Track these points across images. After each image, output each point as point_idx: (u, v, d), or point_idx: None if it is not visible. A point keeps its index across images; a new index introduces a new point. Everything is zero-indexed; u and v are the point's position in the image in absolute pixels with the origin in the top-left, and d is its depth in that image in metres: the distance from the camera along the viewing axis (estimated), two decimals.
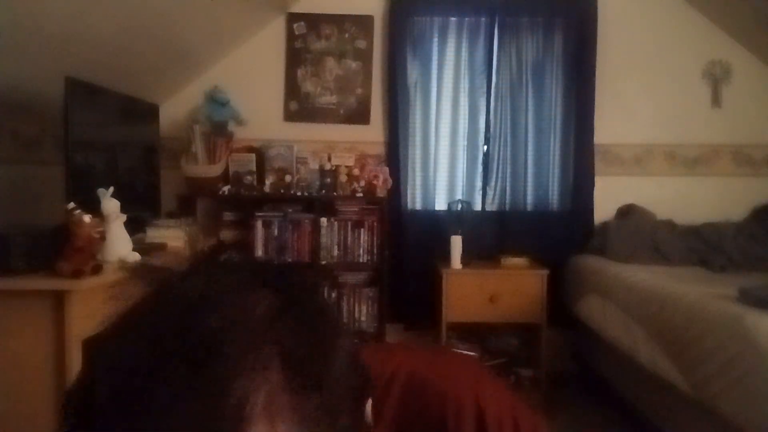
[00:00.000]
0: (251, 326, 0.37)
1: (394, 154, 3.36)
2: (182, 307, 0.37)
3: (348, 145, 3.38)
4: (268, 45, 3.42)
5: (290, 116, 3.44)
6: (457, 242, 3.07)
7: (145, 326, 0.37)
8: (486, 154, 3.44)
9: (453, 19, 3.41)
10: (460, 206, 3.30)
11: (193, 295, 0.38)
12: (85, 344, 1.77)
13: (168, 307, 0.38)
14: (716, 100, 3.47)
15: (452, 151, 3.44)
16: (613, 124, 3.43)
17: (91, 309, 1.80)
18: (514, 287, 3.05)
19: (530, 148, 3.41)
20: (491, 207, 3.44)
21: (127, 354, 0.36)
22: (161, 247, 2.47)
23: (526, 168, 3.42)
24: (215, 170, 3.12)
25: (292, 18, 3.41)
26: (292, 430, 0.35)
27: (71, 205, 1.79)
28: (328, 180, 3.19)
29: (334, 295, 3.26)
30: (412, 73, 3.38)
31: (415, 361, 0.63)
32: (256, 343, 0.36)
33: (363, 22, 3.42)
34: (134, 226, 2.27)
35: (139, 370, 0.35)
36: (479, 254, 3.21)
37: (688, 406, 2.12)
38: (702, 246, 3.12)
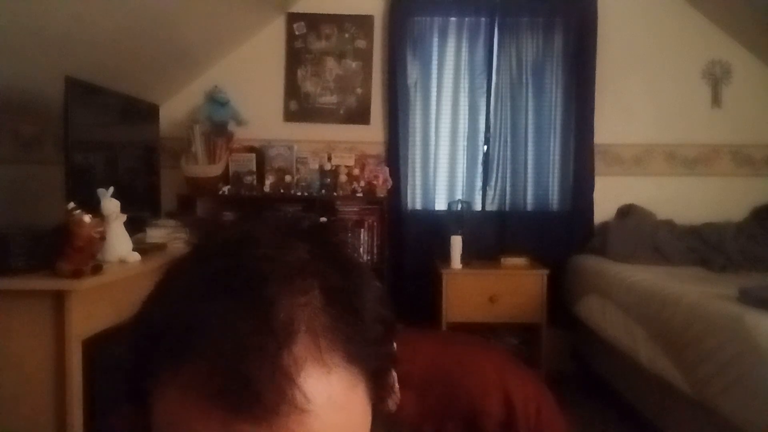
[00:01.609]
0: (292, 262, 0.41)
1: (394, 154, 3.36)
2: (229, 246, 0.42)
3: (348, 145, 3.37)
4: (268, 45, 3.42)
5: (290, 116, 3.44)
6: (457, 242, 3.07)
7: (198, 263, 0.43)
8: (486, 154, 3.44)
9: (453, 19, 3.41)
10: (460, 206, 3.30)
11: (238, 238, 0.43)
12: (84, 344, 1.78)
13: (217, 247, 0.43)
14: (716, 100, 3.46)
15: (452, 151, 3.44)
16: (613, 124, 3.43)
17: (91, 309, 1.80)
18: (514, 287, 3.05)
19: (530, 148, 3.41)
20: (491, 207, 3.43)
21: (182, 285, 0.41)
22: (161, 247, 2.46)
23: (526, 168, 3.42)
24: (215, 170, 3.12)
25: (292, 18, 3.41)
26: (332, 346, 0.39)
27: (71, 205, 1.79)
28: (328, 180, 3.19)
29: None
30: (412, 73, 3.38)
31: (435, 349, 0.64)
32: (296, 274, 0.40)
33: (363, 22, 3.42)
34: (134, 226, 2.27)
35: (193, 297, 0.39)
36: (479, 254, 3.21)
37: (688, 406, 2.12)
38: (702, 246, 3.11)
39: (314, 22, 3.41)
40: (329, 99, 3.44)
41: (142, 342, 0.41)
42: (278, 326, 0.37)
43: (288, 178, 3.15)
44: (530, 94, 3.40)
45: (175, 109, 3.34)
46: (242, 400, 0.36)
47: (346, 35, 3.43)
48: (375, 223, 3.23)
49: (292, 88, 3.44)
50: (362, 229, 3.23)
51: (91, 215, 1.78)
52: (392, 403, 0.47)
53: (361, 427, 0.41)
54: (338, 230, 0.48)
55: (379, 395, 0.43)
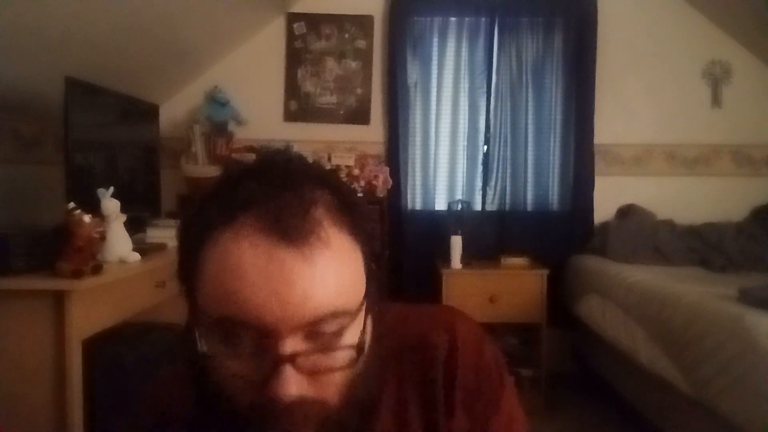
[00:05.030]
0: (311, 172, 0.56)
1: (394, 154, 3.36)
2: (268, 159, 0.57)
3: (348, 145, 3.38)
4: (268, 45, 3.42)
5: (290, 116, 3.44)
6: (457, 242, 3.07)
7: (246, 166, 0.56)
8: (486, 154, 3.44)
9: (453, 19, 3.41)
10: (460, 206, 3.30)
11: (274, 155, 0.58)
12: (84, 344, 1.78)
13: (259, 160, 0.57)
14: (716, 100, 3.46)
15: (452, 151, 3.44)
16: (613, 124, 3.43)
17: (91, 309, 1.80)
18: (514, 287, 3.05)
19: (530, 148, 3.41)
20: (491, 207, 3.43)
21: (233, 174, 0.55)
22: (161, 247, 2.46)
23: (526, 168, 3.42)
24: (215, 170, 3.12)
25: (292, 18, 3.41)
26: (342, 219, 0.53)
27: (71, 205, 1.79)
28: None
29: None
30: (412, 73, 3.38)
31: (407, 307, 0.74)
32: (314, 178, 0.55)
33: (363, 22, 3.42)
34: (134, 226, 2.27)
35: (242, 178, 0.53)
36: (479, 254, 3.20)
37: (688, 406, 2.12)
38: (702, 246, 3.12)
39: (314, 22, 3.41)
40: (329, 99, 3.44)
41: (201, 203, 0.54)
42: (306, 195, 0.52)
43: None
44: (530, 94, 3.40)
45: (175, 109, 3.34)
46: (283, 233, 0.49)
47: (346, 35, 3.43)
48: (375, 223, 3.23)
49: (292, 88, 3.44)
50: None
51: (91, 215, 1.78)
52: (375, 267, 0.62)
53: (360, 277, 0.54)
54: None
55: (369, 265, 0.57)
